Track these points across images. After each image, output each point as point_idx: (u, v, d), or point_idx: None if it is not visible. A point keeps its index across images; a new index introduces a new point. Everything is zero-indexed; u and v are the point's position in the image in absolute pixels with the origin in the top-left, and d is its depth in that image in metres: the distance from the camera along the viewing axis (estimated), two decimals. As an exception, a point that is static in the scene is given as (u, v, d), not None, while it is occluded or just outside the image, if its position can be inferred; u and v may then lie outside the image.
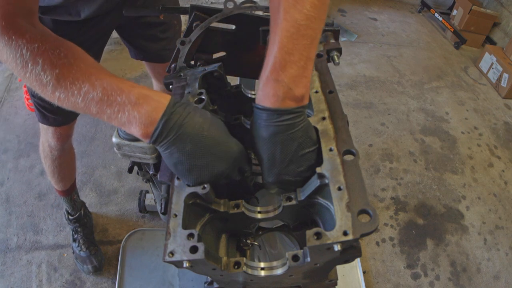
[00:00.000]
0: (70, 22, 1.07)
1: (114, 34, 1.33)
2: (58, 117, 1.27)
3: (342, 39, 3.59)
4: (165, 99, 0.63)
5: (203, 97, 0.76)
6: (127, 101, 0.61)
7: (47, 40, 0.64)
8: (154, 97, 0.63)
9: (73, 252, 1.76)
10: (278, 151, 0.66)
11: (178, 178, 0.69)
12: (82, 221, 1.78)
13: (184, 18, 2.67)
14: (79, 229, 1.76)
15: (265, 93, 0.64)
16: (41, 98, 1.19)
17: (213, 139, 0.65)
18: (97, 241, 1.82)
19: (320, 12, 0.63)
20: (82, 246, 1.72)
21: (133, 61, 1.47)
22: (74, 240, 1.76)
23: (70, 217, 1.75)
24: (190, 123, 0.63)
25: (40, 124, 1.33)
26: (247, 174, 0.74)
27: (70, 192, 1.70)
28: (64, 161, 1.52)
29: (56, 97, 0.63)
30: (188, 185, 0.68)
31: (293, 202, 0.69)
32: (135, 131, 0.63)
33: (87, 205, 1.88)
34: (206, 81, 0.85)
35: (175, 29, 1.37)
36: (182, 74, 0.86)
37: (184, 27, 1.08)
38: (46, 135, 1.37)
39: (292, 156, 0.66)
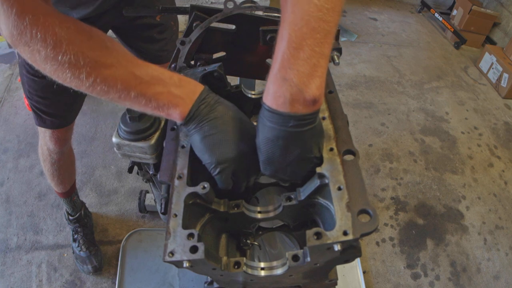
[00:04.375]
0: None
1: (114, 34, 1.33)
2: (55, 120, 1.26)
3: (342, 39, 3.59)
4: (200, 85, 0.68)
5: (203, 97, 0.76)
6: (172, 83, 0.64)
7: (76, 21, 0.62)
8: (192, 82, 0.68)
9: (73, 252, 1.76)
10: (277, 154, 0.63)
11: (178, 178, 0.69)
12: (82, 221, 1.78)
13: (183, 18, 2.68)
14: (79, 229, 1.76)
15: (271, 92, 0.59)
16: (38, 100, 1.19)
17: (240, 120, 0.69)
18: (97, 241, 1.82)
19: (334, 2, 0.55)
20: (82, 246, 1.72)
21: (133, 61, 1.47)
22: (74, 240, 1.76)
23: (70, 217, 1.75)
24: (222, 104, 0.68)
25: (38, 128, 1.32)
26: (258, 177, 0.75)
27: (70, 194, 1.70)
28: (64, 164, 1.52)
29: (90, 81, 0.60)
30: (210, 166, 0.68)
31: (293, 202, 0.69)
32: (174, 111, 0.65)
33: (87, 205, 1.88)
34: (206, 81, 0.85)
35: (172, 30, 1.37)
36: (182, 74, 0.86)
37: (183, 27, 1.07)
38: (45, 138, 1.36)
39: (292, 161, 0.64)
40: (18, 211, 1.94)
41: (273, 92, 0.59)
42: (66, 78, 0.61)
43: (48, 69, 0.61)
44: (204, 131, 0.66)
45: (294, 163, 0.65)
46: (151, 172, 0.92)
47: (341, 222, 0.58)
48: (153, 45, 1.34)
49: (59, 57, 0.58)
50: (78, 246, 1.73)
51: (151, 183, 1.07)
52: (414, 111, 2.88)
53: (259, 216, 0.72)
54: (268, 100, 0.60)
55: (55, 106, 1.23)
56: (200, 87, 0.68)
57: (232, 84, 0.89)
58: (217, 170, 0.67)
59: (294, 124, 0.59)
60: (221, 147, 0.66)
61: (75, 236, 1.76)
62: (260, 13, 0.93)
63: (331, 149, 0.67)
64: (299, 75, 0.56)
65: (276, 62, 0.59)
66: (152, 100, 0.63)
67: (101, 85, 0.61)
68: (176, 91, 0.64)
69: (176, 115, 0.66)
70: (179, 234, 0.61)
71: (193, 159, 0.72)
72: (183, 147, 0.73)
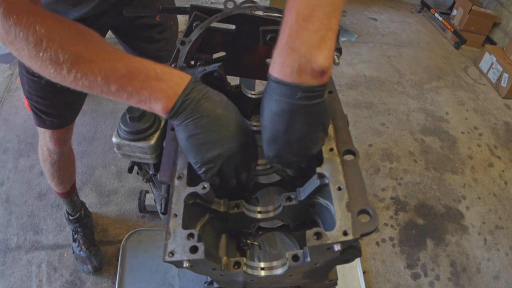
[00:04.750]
0: None
1: (113, 34, 1.33)
2: (54, 120, 1.26)
3: (342, 39, 3.59)
4: (186, 77, 0.65)
5: (203, 97, 0.76)
6: (153, 76, 0.62)
7: (59, 18, 0.62)
8: (176, 74, 0.65)
9: (73, 252, 1.76)
10: (282, 130, 0.61)
11: (178, 178, 0.69)
12: (82, 221, 1.78)
13: (183, 18, 2.67)
14: (79, 229, 1.76)
15: (279, 62, 0.58)
16: (38, 100, 1.19)
17: (228, 117, 0.66)
18: (97, 241, 1.82)
19: None
20: (82, 246, 1.72)
21: (133, 61, 1.47)
22: (74, 240, 1.76)
23: (70, 217, 1.75)
24: (208, 100, 0.65)
25: (38, 128, 1.31)
26: (252, 171, 0.73)
27: (70, 194, 1.70)
28: (64, 164, 1.52)
29: (72, 76, 0.60)
30: (195, 166, 0.67)
31: (293, 202, 0.69)
32: (156, 106, 0.63)
33: (87, 205, 1.88)
34: (206, 81, 0.85)
35: (172, 30, 1.37)
36: (181, 73, 0.86)
37: (183, 27, 1.08)
38: (44, 138, 1.36)
39: (298, 138, 0.62)
40: (18, 211, 1.94)
41: (280, 63, 0.58)
42: (51, 74, 0.61)
43: (34, 66, 0.62)
44: (189, 129, 0.65)
45: (300, 141, 0.62)
46: (151, 172, 0.92)
47: (341, 222, 0.58)
48: (153, 45, 1.34)
49: (40, 54, 0.59)
50: (78, 246, 1.73)
51: (151, 183, 1.07)
52: (414, 111, 2.88)
53: (259, 216, 0.72)
54: (275, 71, 0.59)
55: (55, 106, 1.23)
56: (185, 79, 0.64)
57: (232, 84, 0.89)
58: (202, 170, 0.67)
59: (301, 96, 0.57)
60: (206, 147, 0.65)
61: (75, 236, 1.76)
62: (260, 13, 0.93)
63: (331, 149, 0.67)
64: (308, 46, 0.55)
65: (284, 34, 0.58)
66: (134, 94, 0.62)
67: (82, 80, 0.61)
68: (158, 85, 0.62)
69: (158, 110, 0.64)
70: (179, 234, 0.61)
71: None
72: (183, 147, 0.73)
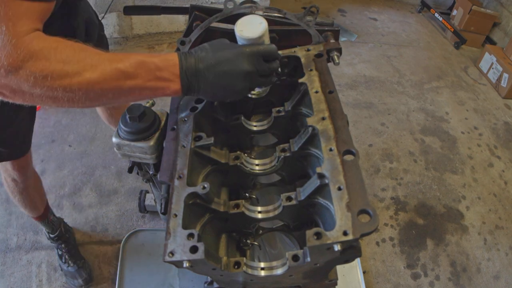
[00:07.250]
0: None
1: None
2: (12, 150, 1.23)
3: (342, 39, 3.59)
4: (173, 54, 0.73)
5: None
6: (154, 68, 0.70)
7: (59, 39, 0.66)
8: (167, 57, 0.73)
9: (62, 270, 1.72)
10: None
11: (178, 178, 0.69)
12: (64, 237, 1.73)
13: (183, 18, 2.68)
14: (62, 246, 1.72)
15: None
16: None
17: (221, 55, 0.74)
18: (97, 241, 1.82)
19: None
20: (69, 262, 1.69)
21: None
22: (60, 257, 1.72)
23: (51, 235, 1.71)
24: (202, 62, 0.73)
25: None
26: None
27: (46, 216, 1.65)
28: (32, 189, 1.49)
29: (86, 80, 0.64)
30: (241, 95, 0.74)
31: (293, 202, 0.69)
32: (170, 93, 0.72)
33: (87, 205, 1.88)
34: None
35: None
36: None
37: (184, 27, 1.08)
38: (6, 170, 1.34)
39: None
40: (18, 211, 1.94)
41: None
42: (58, 82, 0.63)
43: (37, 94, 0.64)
44: (212, 86, 0.72)
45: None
46: (151, 172, 0.92)
47: (341, 222, 0.58)
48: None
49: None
50: (65, 262, 1.70)
51: (151, 183, 1.07)
52: (414, 111, 2.88)
53: (259, 216, 0.72)
54: None
55: (10, 136, 1.18)
56: (174, 56, 0.72)
57: (232, 84, 0.89)
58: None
59: None
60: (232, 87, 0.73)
61: (60, 253, 1.72)
62: (260, 13, 0.93)
63: (331, 149, 0.67)
64: None
65: None
66: (145, 87, 0.69)
67: (96, 85, 0.65)
68: (161, 74, 0.70)
69: (177, 87, 0.72)
70: (179, 234, 0.61)
71: (193, 160, 0.72)
72: (183, 147, 0.74)
